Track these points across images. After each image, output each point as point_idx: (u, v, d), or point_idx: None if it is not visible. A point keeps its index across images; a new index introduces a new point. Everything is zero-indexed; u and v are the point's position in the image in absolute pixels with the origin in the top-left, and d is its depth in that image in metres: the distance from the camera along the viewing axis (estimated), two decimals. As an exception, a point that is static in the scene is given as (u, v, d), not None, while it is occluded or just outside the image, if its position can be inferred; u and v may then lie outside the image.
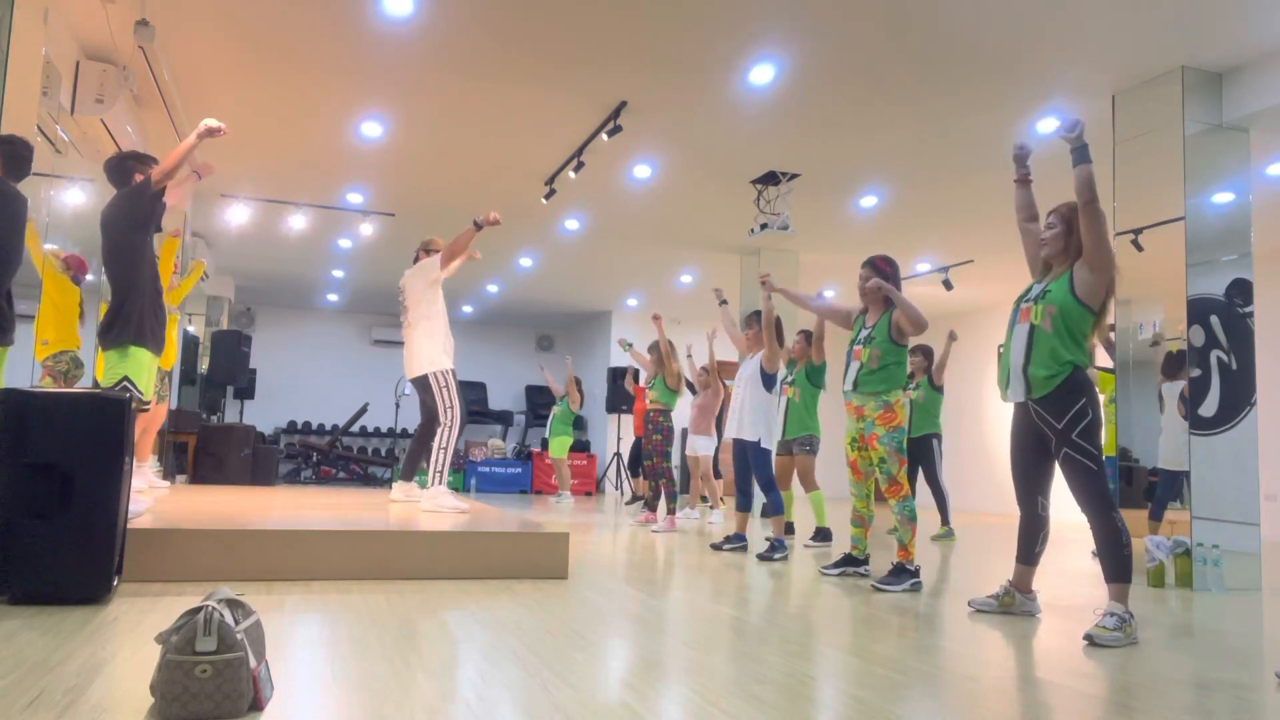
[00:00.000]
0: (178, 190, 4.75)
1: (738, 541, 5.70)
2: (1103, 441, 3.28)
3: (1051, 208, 3.51)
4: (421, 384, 5.34)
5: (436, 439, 5.22)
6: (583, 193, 8.01)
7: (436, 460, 5.16)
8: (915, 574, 4.13)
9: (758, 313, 5.81)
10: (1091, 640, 3.01)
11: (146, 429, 5.81)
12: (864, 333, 4.44)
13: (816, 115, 6.18)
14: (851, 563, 4.58)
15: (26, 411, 2.90)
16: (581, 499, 11.74)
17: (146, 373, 4.11)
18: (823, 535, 6.37)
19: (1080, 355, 3.28)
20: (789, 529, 6.85)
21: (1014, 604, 3.60)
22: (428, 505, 5.06)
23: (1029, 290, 3.49)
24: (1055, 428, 3.24)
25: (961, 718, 2.04)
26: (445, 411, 5.27)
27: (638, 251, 10.29)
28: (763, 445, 5.46)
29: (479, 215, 5.22)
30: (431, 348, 5.31)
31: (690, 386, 8.15)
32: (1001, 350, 3.51)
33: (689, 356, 8.55)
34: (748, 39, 5.12)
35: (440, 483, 5.13)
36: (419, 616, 2.96)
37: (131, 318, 4.06)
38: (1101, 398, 6.38)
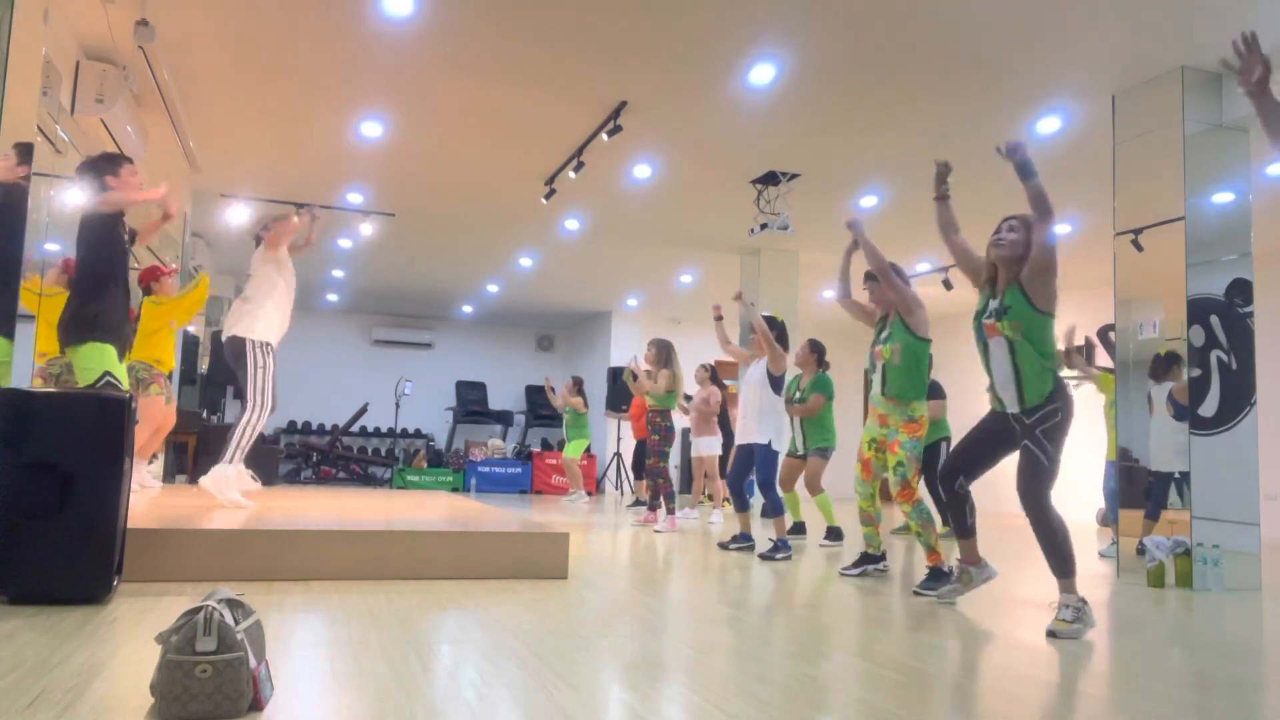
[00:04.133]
0: (147, 235, 4.78)
1: (744, 541, 5.71)
2: (1064, 445, 3.29)
3: (1013, 214, 3.50)
4: (234, 347, 5.00)
5: (243, 417, 4.91)
6: (583, 193, 8.01)
7: (238, 438, 4.86)
8: (949, 574, 4.14)
9: (762, 317, 5.81)
10: (1054, 635, 3.14)
11: (159, 429, 5.87)
12: (883, 333, 4.49)
13: (816, 115, 6.18)
14: (870, 560, 4.64)
15: (26, 411, 2.90)
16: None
17: (117, 367, 4.12)
18: (834, 534, 6.39)
19: (1054, 363, 3.34)
20: (800, 528, 6.86)
21: (972, 580, 3.74)
22: (207, 483, 4.79)
23: (985, 305, 3.48)
24: (1025, 423, 3.33)
25: (961, 717, 2.04)
26: (253, 393, 4.97)
27: (638, 251, 10.29)
28: (772, 447, 5.48)
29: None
30: (252, 313, 5.02)
31: (687, 395, 8.18)
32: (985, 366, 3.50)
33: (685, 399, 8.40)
34: (748, 39, 5.12)
35: (233, 462, 4.86)
36: (419, 616, 2.96)
37: (91, 317, 4.06)
38: (1102, 400, 6.40)
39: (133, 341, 4.61)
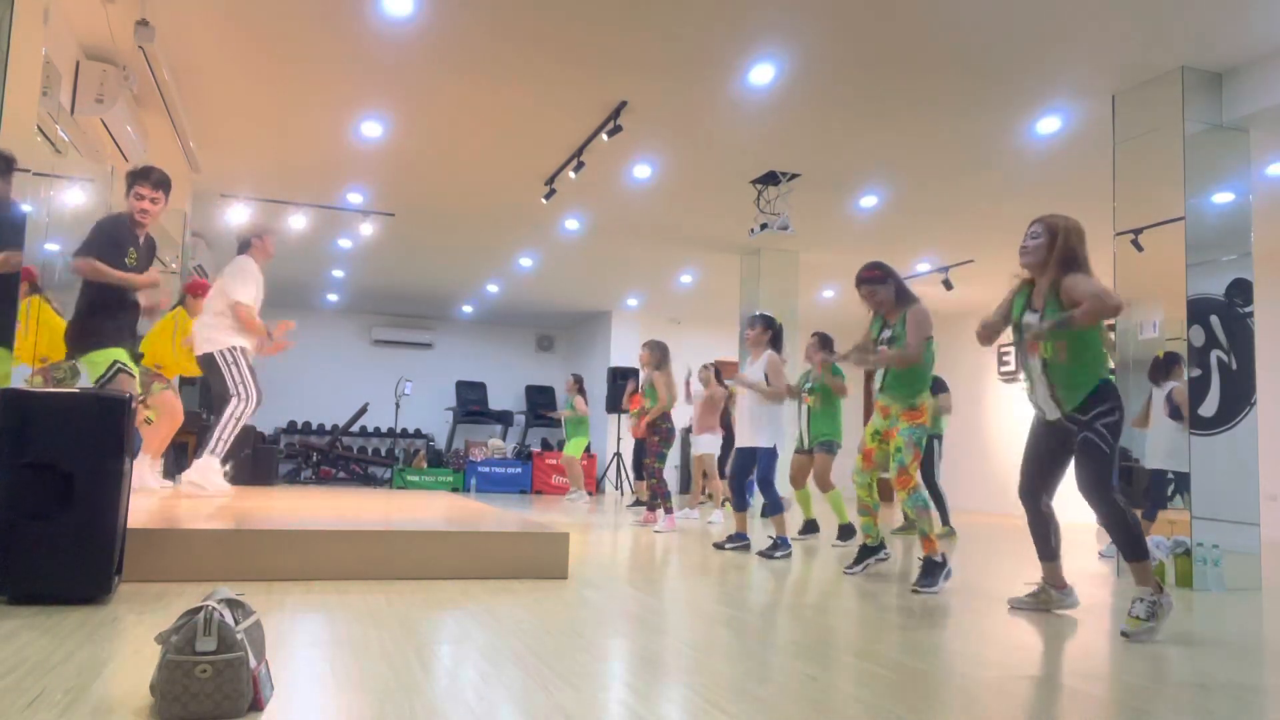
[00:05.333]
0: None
1: (740, 540, 5.71)
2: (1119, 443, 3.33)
3: (1036, 218, 3.50)
4: (207, 363, 5.10)
5: (229, 409, 4.97)
6: (583, 193, 8.01)
7: (223, 429, 4.92)
8: (944, 563, 4.14)
9: (759, 315, 5.83)
10: (1127, 635, 3.06)
11: (168, 434, 5.92)
12: (886, 333, 4.45)
13: (816, 115, 6.17)
14: (869, 553, 4.64)
15: (26, 411, 2.90)
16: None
17: (127, 360, 4.18)
18: (846, 533, 6.38)
19: (1102, 369, 3.33)
20: (812, 527, 6.84)
21: (1051, 601, 3.66)
22: (194, 475, 4.89)
23: (1023, 316, 3.47)
24: (1081, 420, 3.32)
25: (962, 718, 2.04)
26: (236, 387, 5.01)
27: (638, 251, 10.29)
28: (775, 450, 5.48)
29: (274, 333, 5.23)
30: (217, 326, 5.11)
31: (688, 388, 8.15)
32: (1022, 373, 3.52)
33: (688, 375, 8.38)
34: (748, 39, 5.12)
35: (217, 453, 4.92)
36: (419, 616, 2.96)
37: (100, 330, 4.13)
38: None
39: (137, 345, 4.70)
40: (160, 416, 5.77)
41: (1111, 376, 3.37)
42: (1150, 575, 3.18)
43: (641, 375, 7.80)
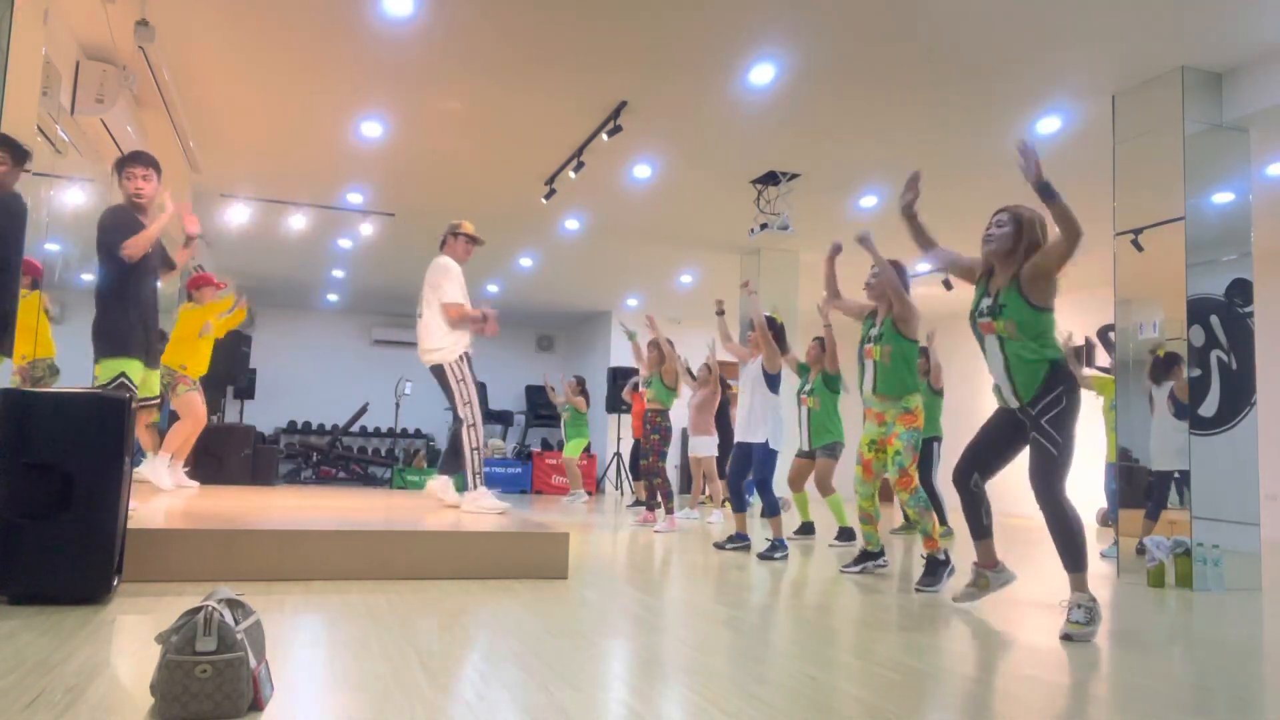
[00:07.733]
0: (184, 254, 4.86)
1: (740, 541, 5.71)
2: (1074, 432, 3.26)
3: (1002, 207, 3.49)
4: (438, 373, 5.25)
5: (464, 440, 5.10)
6: (583, 193, 8.01)
7: (471, 462, 5.05)
8: (947, 562, 4.17)
9: (766, 318, 5.84)
10: (1069, 638, 3.08)
11: (191, 434, 5.97)
12: (873, 331, 4.55)
13: (816, 115, 6.17)
14: (869, 557, 4.71)
15: (26, 411, 2.90)
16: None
17: (135, 372, 4.16)
18: (846, 535, 6.38)
19: (1054, 350, 3.29)
20: (809, 528, 6.84)
21: (989, 584, 3.65)
22: (469, 507, 4.97)
23: (979, 302, 3.46)
24: (1030, 414, 3.29)
25: (961, 717, 2.04)
26: (463, 407, 5.16)
27: (638, 251, 10.29)
28: (770, 446, 5.49)
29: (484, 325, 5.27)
30: (442, 332, 5.23)
31: (690, 373, 8.15)
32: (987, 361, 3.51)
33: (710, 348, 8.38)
34: (748, 39, 5.12)
35: (478, 485, 5.02)
36: (419, 616, 2.96)
37: (115, 333, 4.11)
38: (1101, 402, 6.41)
39: (161, 349, 4.70)
40: (184, 417, 5.84)
41: (1060, 356, 3.28)
42: (1086, 585, 3.20)
43: (642, 374, 7.79)
